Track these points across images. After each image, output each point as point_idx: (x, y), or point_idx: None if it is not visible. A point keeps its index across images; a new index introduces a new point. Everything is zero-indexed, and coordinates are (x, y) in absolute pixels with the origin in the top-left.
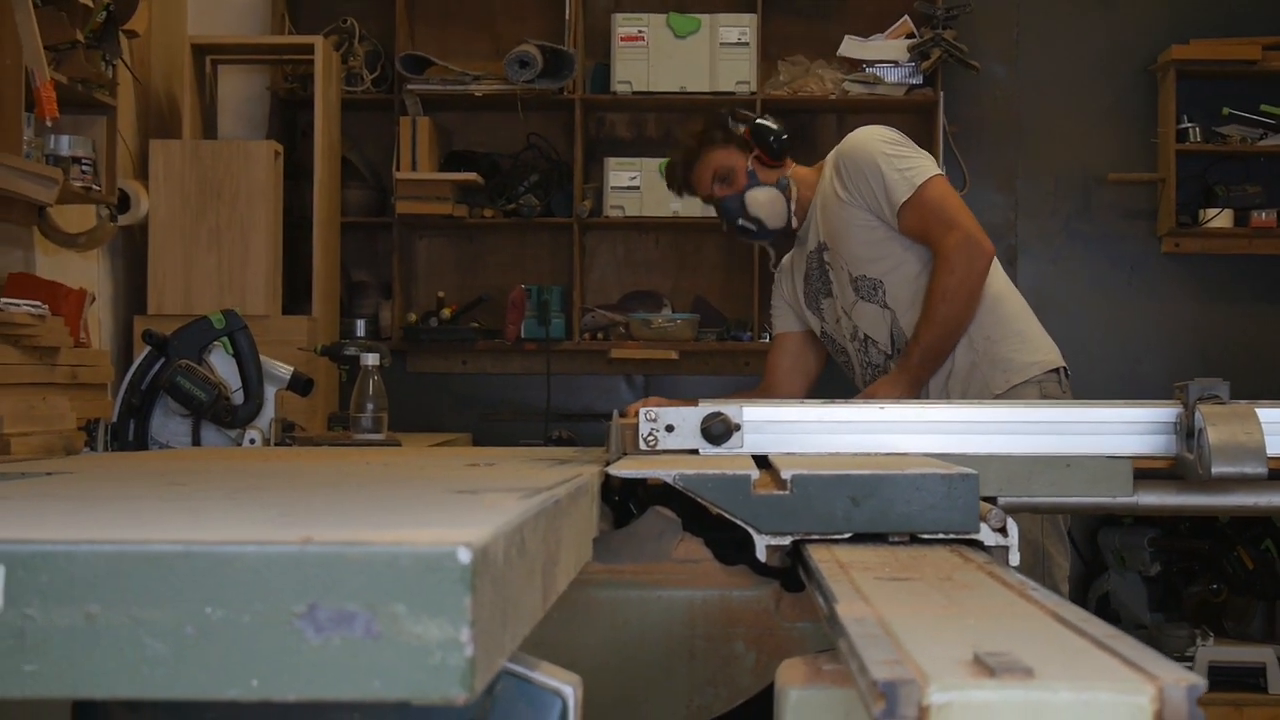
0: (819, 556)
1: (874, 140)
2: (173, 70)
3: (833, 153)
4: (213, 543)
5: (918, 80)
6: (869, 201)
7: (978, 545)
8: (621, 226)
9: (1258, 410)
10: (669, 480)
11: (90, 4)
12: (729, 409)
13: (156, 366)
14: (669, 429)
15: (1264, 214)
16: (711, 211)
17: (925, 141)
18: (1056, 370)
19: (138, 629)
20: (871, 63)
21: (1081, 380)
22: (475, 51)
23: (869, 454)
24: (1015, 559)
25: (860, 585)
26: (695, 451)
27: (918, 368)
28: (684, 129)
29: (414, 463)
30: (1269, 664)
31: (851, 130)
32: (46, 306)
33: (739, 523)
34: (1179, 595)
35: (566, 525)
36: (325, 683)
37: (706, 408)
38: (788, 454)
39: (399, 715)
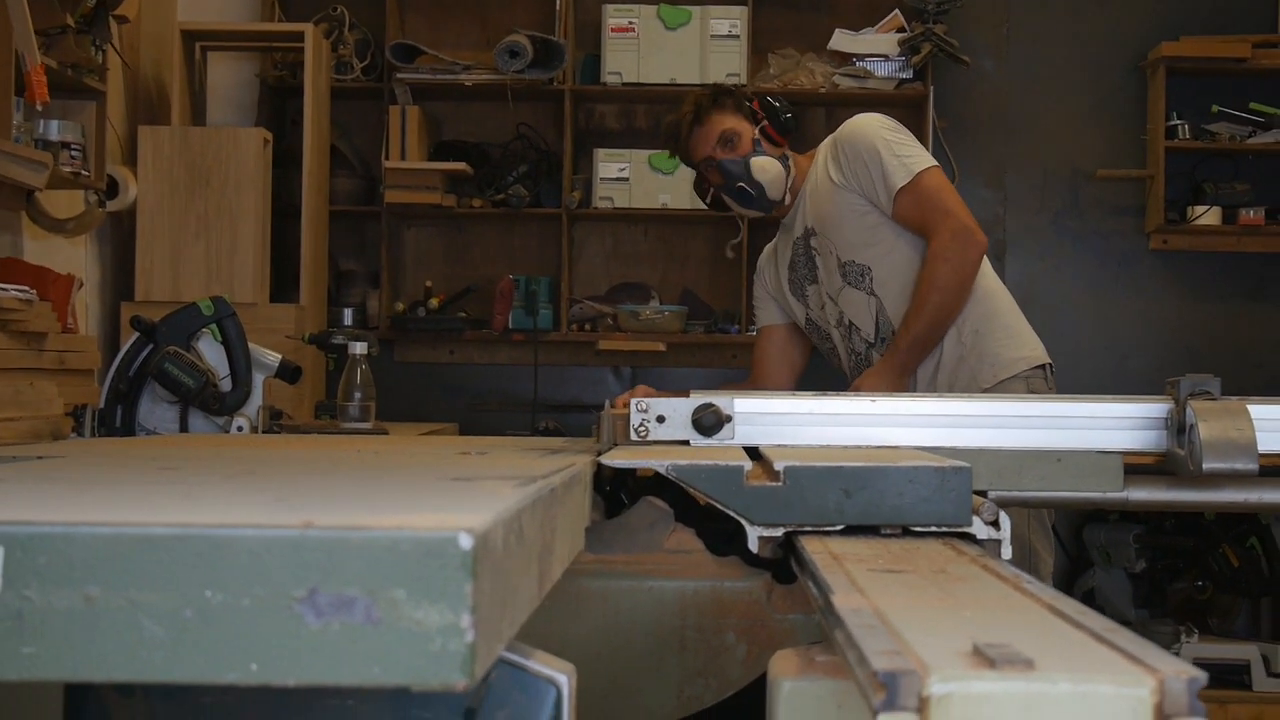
0: (812, 548)
1: (874, 126)
2: (162, 56)
3: (828, 139)
4: (213, 526)
5: (908, 74)
6: (864, 185)
7: (970, 538)
8: (610, 218)
9: (1249, 406)
10: (662, 470)
11: None
12: (720, 400)
13: (144, 353)
14: (660, 420)
15: (1252, 212)
16: (699, 204)
17: (915, 136)
18: (1042, 366)
19: (136, 612)
20: (862, 56)
21: (1068, 375)
22: (465, 41)
23: (861, 447)
24: (1008, 552)
25: (855, 577)
26: (686, 443)
27: (905, 356)
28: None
29: (406, 450)
30: (1253, 661)
31: (841, 124)
32: (34, 291)
33: (731, 514)
34: (1164, 592)
35: (561, 514)
36: (324, 668)
37: (698, 399)
38: (779, 446)
39: (395, 701)
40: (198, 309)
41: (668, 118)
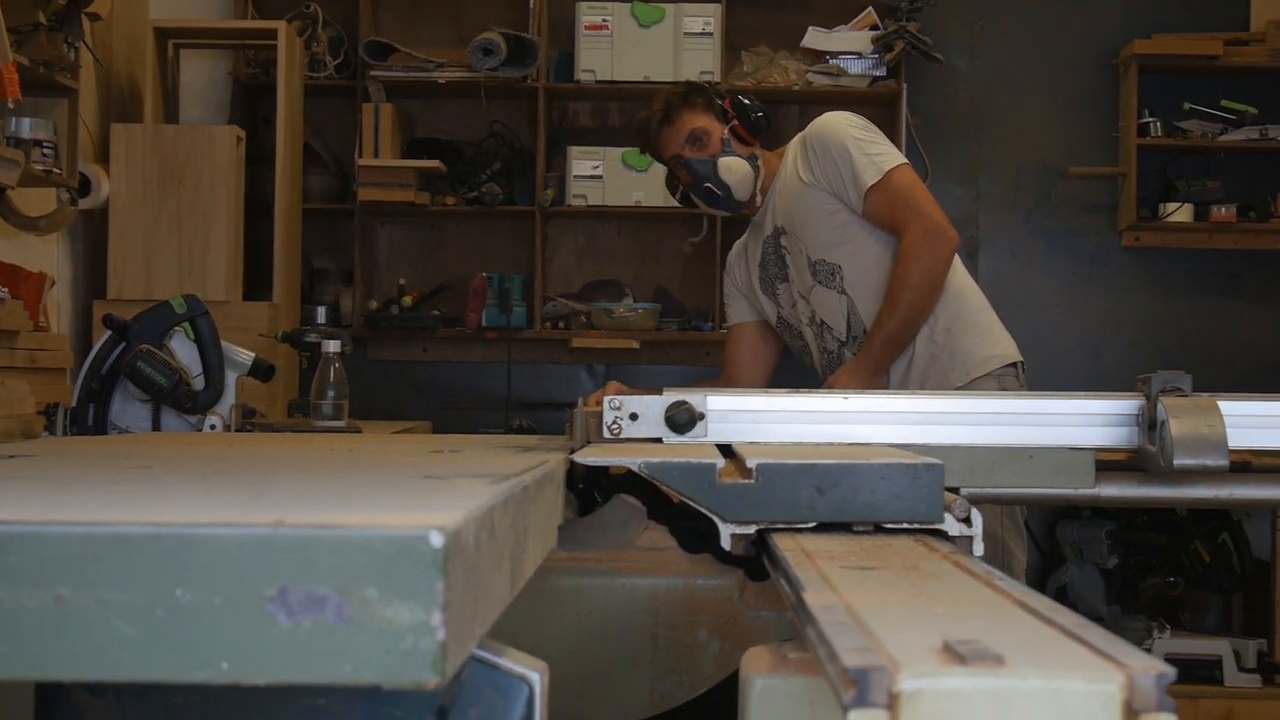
0: (784, 545)
1: (843, 124)
2: (135, 54)
3: (797, 137)
4: (183, 524)
5: (881, 72)
6: (834, 184)
7: (942, 535)
8: (584, 215)
9: (1220, 403)
10: (635, 468)
11: None
12: (693, 398)
13: (117, 351)
14: (633, 417)
15: (1223, 209)
16: (673, 201)
17: (888, 133)
18: (1014, 364)
19: (107, 611)
20: (835, 54)
21: (1041, 372)
22: (439, 38)
23: (834, 444)
24: (979, 549)
25: (827, 574)
26: (659, 440)
27: (879, 354)
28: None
29: (379, 449)
30: (1224, 656)
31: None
32: (6, 290)
33: (704, 511)
34: (1136, 588)
35: (534, 512)
36: (296, 666)
37: (671, 396)
38: (752, 443)
39: (367, 700)
40: (170, 307)
41: (639, 114)
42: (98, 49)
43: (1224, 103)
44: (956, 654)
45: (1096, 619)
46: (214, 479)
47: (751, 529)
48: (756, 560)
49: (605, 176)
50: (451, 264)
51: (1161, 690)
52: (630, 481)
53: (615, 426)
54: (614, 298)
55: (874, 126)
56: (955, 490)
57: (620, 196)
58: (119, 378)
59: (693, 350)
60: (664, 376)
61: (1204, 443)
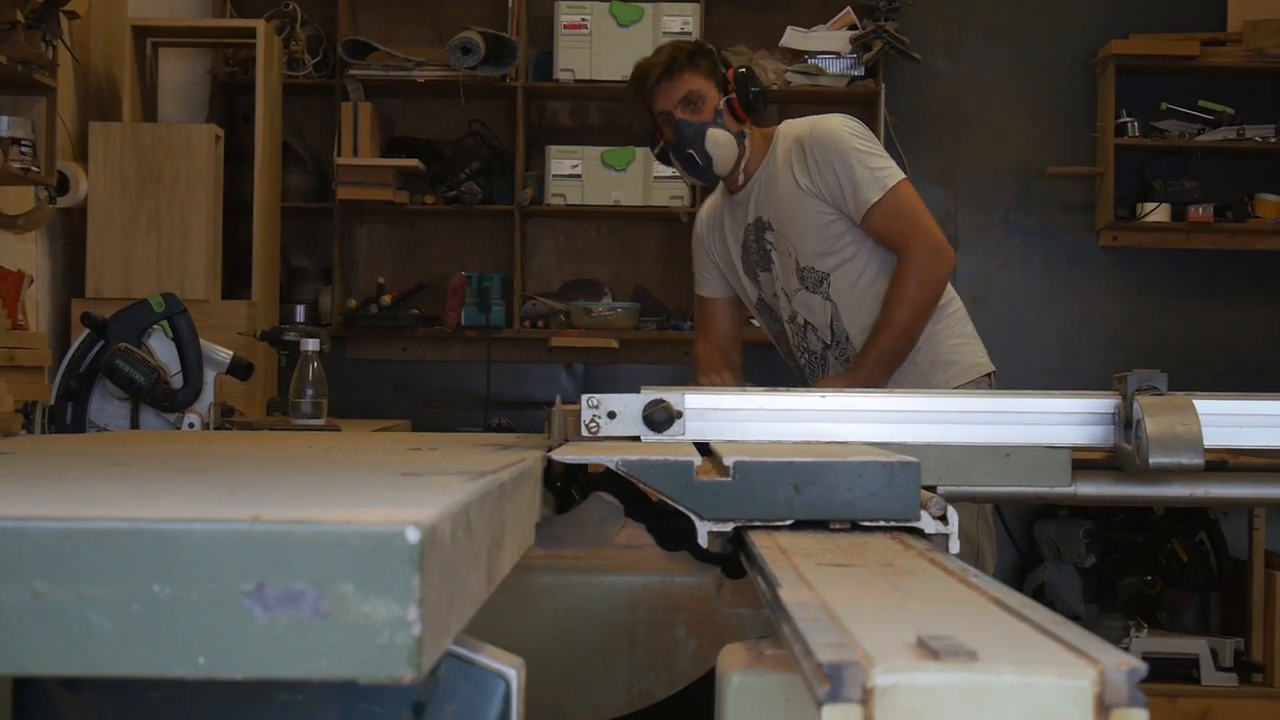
0: (761, 543)
1: (845, 134)
2: (113, 52)
3: (791, 137)
4: (161, 520)
5: (859, 72)
6: (833, 194)
7: (918, 533)
8: (563, 214)
9: (1195, 402)
10: (612, 465)
11: None
12: (671, 396)
13: (95, 349)
14: (611, 416)
15: (1201, 209)
16: (654, 199)
17: None
18: (989, 375)
19: (84, 606)
20: (814, 54)
21: (1018, 371)
22: (418, 37)
23: (812, 442)
24: (955, 546)
25: (803, 571)
26: (637, 438)
27: (873, 368)
28: (626, 117)
29: (357, 447)
30: (1202, 655)
31: (791, 119)
32: None
33: (681, 509)
34: (1113, 587)
35: (511, 509)
36: (272, 661)
37: (648, 395)
38: (730, 441)
39: (343, 694)
40: (149, 305)
41: (640, 60)
42: (76, 47)
43: (1201, 103)
44: (930, 650)
45: (1074, 618)
46: (192, 476)
47: (729, 526)
48: (734, 558)
49: (584, 176)
50: (430, 263)
51: (1133, 685)
52: (608, 479)
53: (593, 425)
54: (593, 297)
55: (872, 135)
56: (932, 488)
57: (599, 196)
58: (97, 376)
59: (672, 349)
60: (643, 375)
61: (1179, 441)
